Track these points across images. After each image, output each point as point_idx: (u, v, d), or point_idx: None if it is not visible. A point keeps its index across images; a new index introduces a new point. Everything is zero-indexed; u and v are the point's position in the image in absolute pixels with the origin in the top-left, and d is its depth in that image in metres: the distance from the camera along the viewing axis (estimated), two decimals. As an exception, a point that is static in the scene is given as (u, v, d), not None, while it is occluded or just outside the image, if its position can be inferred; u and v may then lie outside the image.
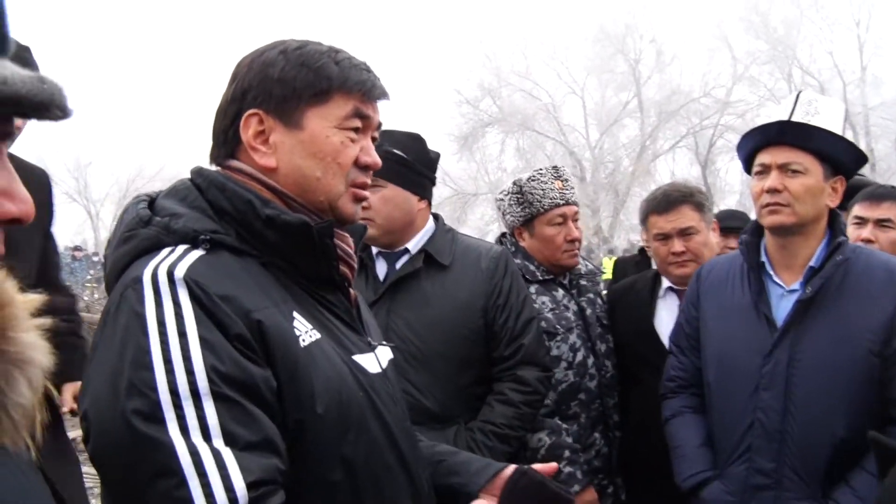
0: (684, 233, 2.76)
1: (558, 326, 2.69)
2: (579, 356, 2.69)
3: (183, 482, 1.00)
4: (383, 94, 1.36)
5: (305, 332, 1.21)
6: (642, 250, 4.77)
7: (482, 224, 26.91)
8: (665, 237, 2.80)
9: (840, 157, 2.14)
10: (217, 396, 1.05)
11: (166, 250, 1.17)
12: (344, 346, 1.29)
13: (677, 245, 2.76)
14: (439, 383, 2.28)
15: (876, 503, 1.18)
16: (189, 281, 1.11)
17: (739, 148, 2.28)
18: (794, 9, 26.15)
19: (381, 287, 2.35)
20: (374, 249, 2.45)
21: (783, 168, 2.12)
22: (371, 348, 1.39)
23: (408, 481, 1.34)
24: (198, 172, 1.30)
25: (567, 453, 2.55)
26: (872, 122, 25.18)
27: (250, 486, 1.02)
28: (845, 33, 26.32)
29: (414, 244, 2.40)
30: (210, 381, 1.05)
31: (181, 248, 1.17)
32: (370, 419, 1.27)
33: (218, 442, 1.03)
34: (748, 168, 2.29)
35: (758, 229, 2.30)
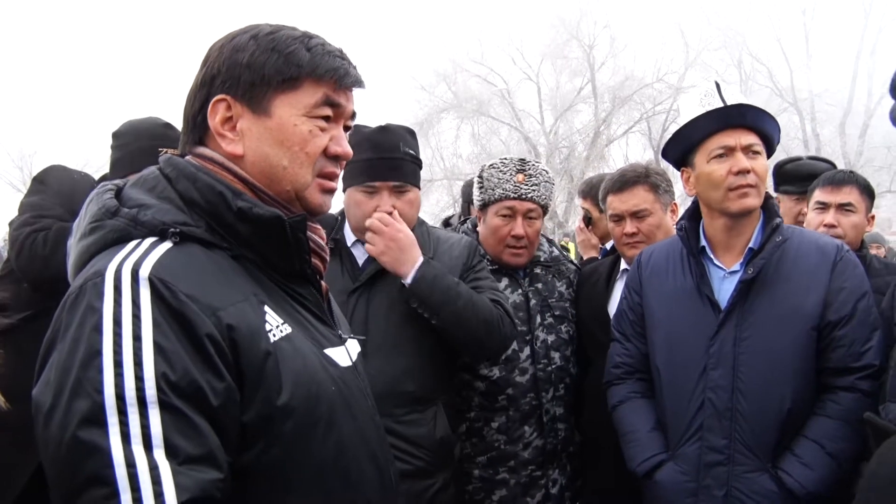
0: (636, 214, 2.79)
1: None
2: (508, 350, 2.67)
3: (114, 493, 0.96)
4: (357, 83, 1.34)
5: (276, 326, 1.19)
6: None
7: (437, 210, 26.84)
8: (619, 218, 2.83)
9: (775, 138, 2.23)
10: (163, 405, 1.01)
11: (133, 243, 1.13)
12: (315, 340, 1.28)
13: (629, 226, 2.79)
14: (420, 366, 2.34)
15: (868, 472, 1.25)
16: (154, 280, 1.07)
17: (683, 136, 2.26)
18: (744, -4, 26.66)
19: (362, 275, 2.37)
20: (350, 237, 2.46)
21: (747, 149, 2.15)
22: (341, 341, 1.38)
23: (377, 476, 1.34)
24: (167, 162, 1.27)
25: None
26: (818, 107, 25.77)
27: None
28: (792, 21, 26.95)
29: None
30: (159, 388, 1.01)
31: (149, 240, 1.14)
32: (340, 414, 1.26)
33: (158, 453, 0.99)
34: (682, 160, 2.29)
35: (695, 214, 2.34)
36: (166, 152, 2.55)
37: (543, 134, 28.14)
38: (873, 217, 3.09)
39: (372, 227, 2.29)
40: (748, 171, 2.14)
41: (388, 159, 2.32)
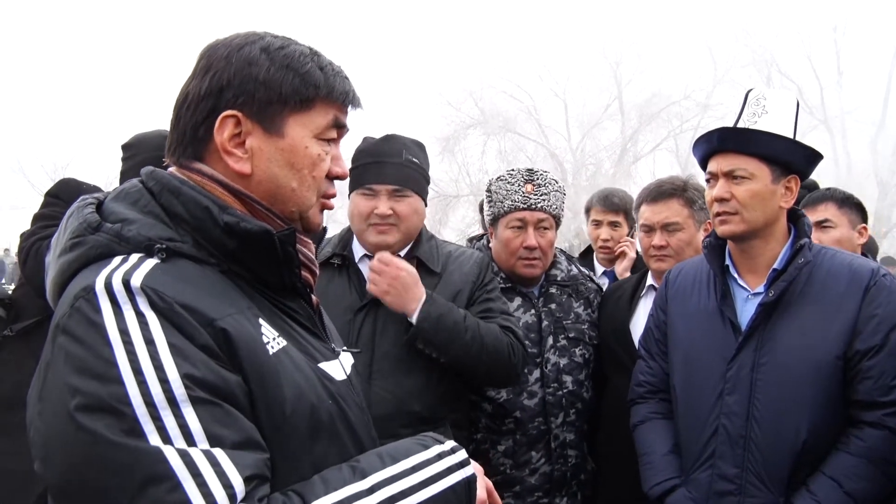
0: (667, 227, 2.72)
1: None
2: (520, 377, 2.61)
3: (177, 485, 0.94)
4: (359, 103, 1.33)
5: (273, 338, 1.16)
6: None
7: (463, 226, 26.80)
8: (649, 229, 2.77)
9: (786, 157, 2.12)
10: (196, 401, 0.99)
11: (118, 259, 1.09)
12: (309, 355, 1.26)
13: (658, 238, 2.73)
14: (427, 387, 2.30)
15: None
16: (147, 290, 1.04)
17: (695, 156, 2.28)
18: (774, 13, 26.45)
19: (370, 293, 2.34)
20: (358, 252, 2.43)
21: (728, 175, 2.11)
22: (335, 355, 1.36)
23: None
24: (150, 175, 1.22)
25: None
26: (849, 125, 25.46)
27: (246, 481, 0.99)
28: (823, 38, 26.65)
29: (403, 250, 2.40)
30: (186, 386, 0.99)
31: (135, 256, 1.10)
32: (340, 428, 1.24)
33: (204, 446, 0.98)
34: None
35: None
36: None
37: (570, 151, 28.07)
38: (865, 228, 3.07)
39: (373, 269, 2.26)
40: (725, 199, 2.10)
41: (388, 163, 2.32)
